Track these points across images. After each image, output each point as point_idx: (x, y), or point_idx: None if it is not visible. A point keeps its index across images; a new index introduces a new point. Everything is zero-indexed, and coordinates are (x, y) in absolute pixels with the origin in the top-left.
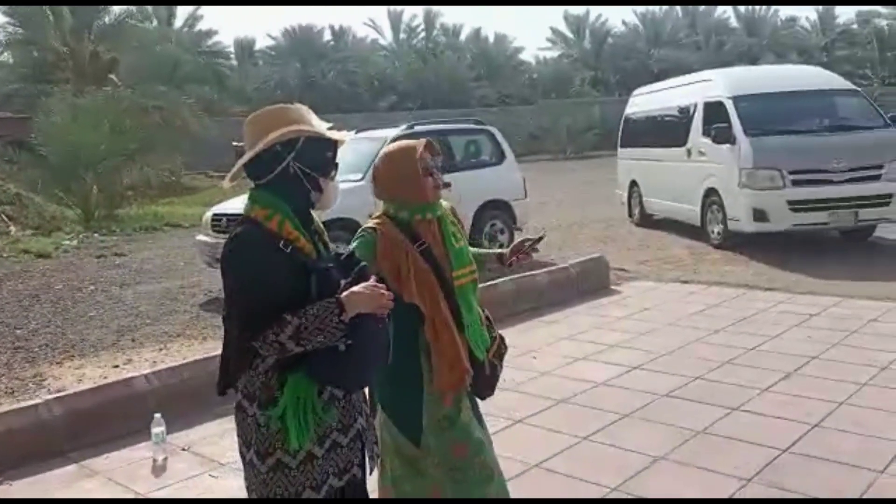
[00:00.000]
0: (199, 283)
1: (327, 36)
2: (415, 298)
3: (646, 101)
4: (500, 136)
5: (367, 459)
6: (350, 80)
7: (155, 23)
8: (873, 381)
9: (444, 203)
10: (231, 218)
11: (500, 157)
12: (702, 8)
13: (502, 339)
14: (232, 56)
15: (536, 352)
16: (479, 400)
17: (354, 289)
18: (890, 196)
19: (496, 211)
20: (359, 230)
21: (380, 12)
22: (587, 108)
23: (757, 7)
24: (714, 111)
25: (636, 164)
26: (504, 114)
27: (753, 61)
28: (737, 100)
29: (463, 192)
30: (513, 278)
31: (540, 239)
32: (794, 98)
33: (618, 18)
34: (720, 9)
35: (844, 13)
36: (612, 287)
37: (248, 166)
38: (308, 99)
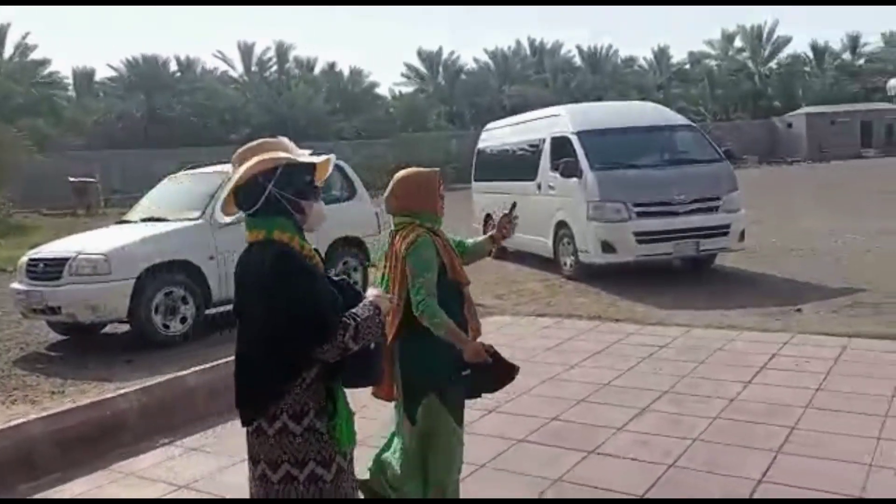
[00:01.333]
0: (14, 337)
1: (173, 67)
2: (463, 280)
3: (497, 135)
4: (350, 171)
5: None
6: (199, 113)
7: None
8: (724, 413)
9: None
10: (49, 263)
11: (351, 191)
12: (548, 46)
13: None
14: (70, 87)
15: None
16: None
17: (375, 293)
18: (728, 226)
19: (349, 248)
20: (413, 234)
21: (230, 44)
22: (444, 142)
23: (599, 47)
24: (561, 146)
25: (490, 198)
26: (363, 147)
27: (598, 98)
28: (582, 135)
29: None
30: None
31: (514, 206)
32: (637, 133)
33: (469, 56)
34: (566, 48)
35: (678, 53)
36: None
37: (238, 198)
38: (154, 132)
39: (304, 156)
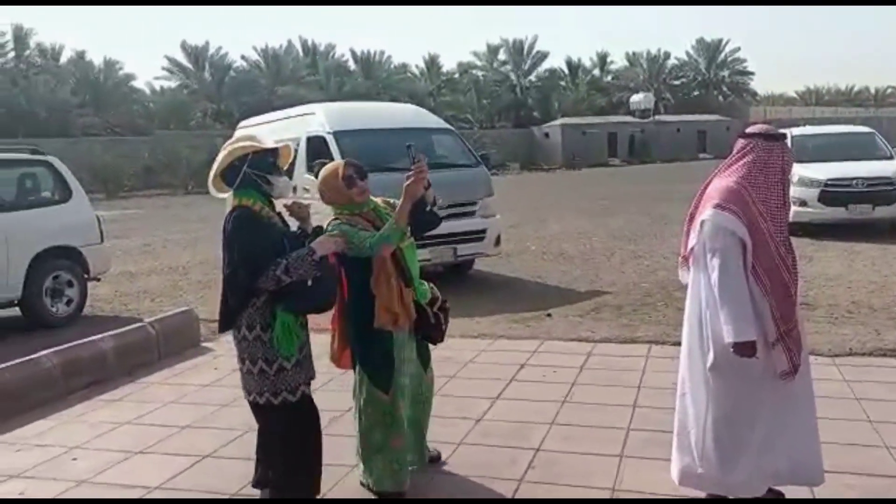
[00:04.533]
0: None
1: None
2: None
3: (252, 133)
4: (63, 169)
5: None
6: None
7: None
8: (469, 437)
9: (375, 199)
10: None
11: (66, 193)
12: (322, 48)
13: (444, 300)
14: None
15: (82, 447)
16: None
17: (318, 239)
18: (484, 231)
19: (61, 260)
20: (334, 221)
21: None
22: (210, 141)
23: (373, 52)
24: (317, 146)
25: None
26: (115, 144)
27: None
28: (338, 135)
29: (10, 238)
30: (64, 348)
31: (409, 147)
32: (395, 135)
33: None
34: (339, 51)
35: (447, 62)
36: (204, 345)
37: (225, 178)
38: None
39: (268, 143)
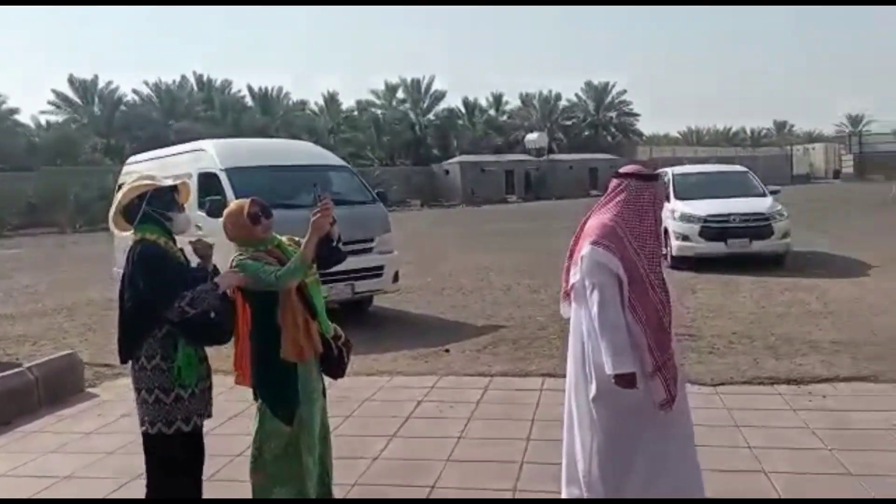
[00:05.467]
0: None
1: None
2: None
3: (140, 170)
4: None
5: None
6: None
7: None
8: (363, 478)
9: (279, 236)
10: None
11: None
12: (217, 83)
13: (347, 338)
14: None
15: None
16: None
17: (222, 275)
18: (382, 267)
19: None
20: (239, 257)
21: None
22: (101, 177)
23: (270, 88)
24: (209, 183)
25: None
26: None
27: (269, 138)
28: (230, 171)
29: None
30: None
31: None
32: (289, 172)
33: (129, 87)
34: (236, 86)
35: (346, 100)
36: (89, 390)
37: (126, 216)
38: None
39: (167, 181)
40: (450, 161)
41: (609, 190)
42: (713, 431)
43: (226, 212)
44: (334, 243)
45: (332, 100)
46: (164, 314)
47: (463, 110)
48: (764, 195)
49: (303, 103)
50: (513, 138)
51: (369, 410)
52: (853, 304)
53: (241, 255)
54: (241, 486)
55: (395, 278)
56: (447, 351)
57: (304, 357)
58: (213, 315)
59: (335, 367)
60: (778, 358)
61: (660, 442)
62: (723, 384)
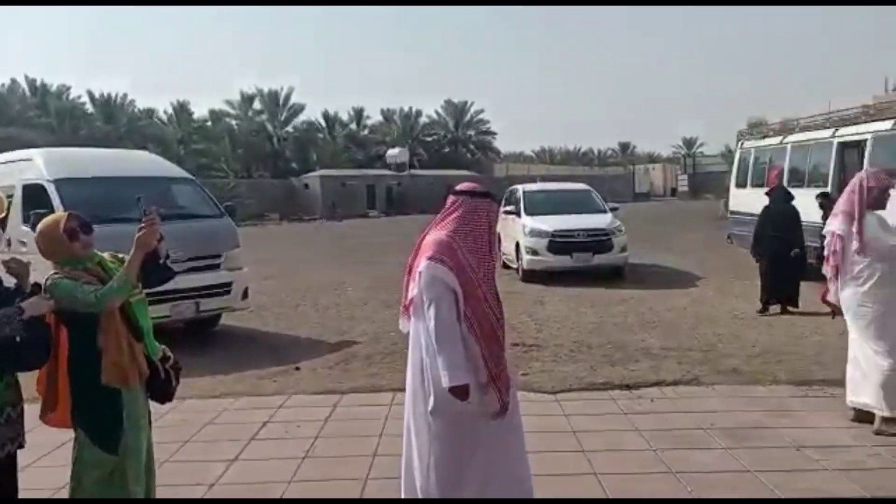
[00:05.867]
0: None
1: None
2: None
3: None
4: None
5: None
6: None
7: None
8: None
9: (101, 254)
10: None
11: None
12: (53, 88)
13: (177, 360)
14: None
15: None
16: None
17: (30, 300)
18: (230, 284)
19: None
20: (54, 276)
21: None
22: None
23: (114, 95)
24: (36, 195)
25: None
26: None
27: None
28: (60, 183)
29: None
30: None
31: (139, 199)
32: (127, 184)
33: None
34: (75, 92)
35: (198, 110)
36: None
37: None
38: None
39: None
40: (309, 174)
41: (446, 207)
42: (552, 437)
43: (39, 227)
44: (161, 261)
45: (181, 109)
46: None
47: (323, 123)
48: (605, 212)
49: (150, 112)
50: (374, 153)
51: (210, 434)
52: (681, 312)
53: (56, 273)
54: None
55: (245, 295)
56: (297, 369)
57: (127, 382)
58: (17, 339)
59: (162, 391)
60: (613, 364)
61: (494, 450)
62: (563, 391)
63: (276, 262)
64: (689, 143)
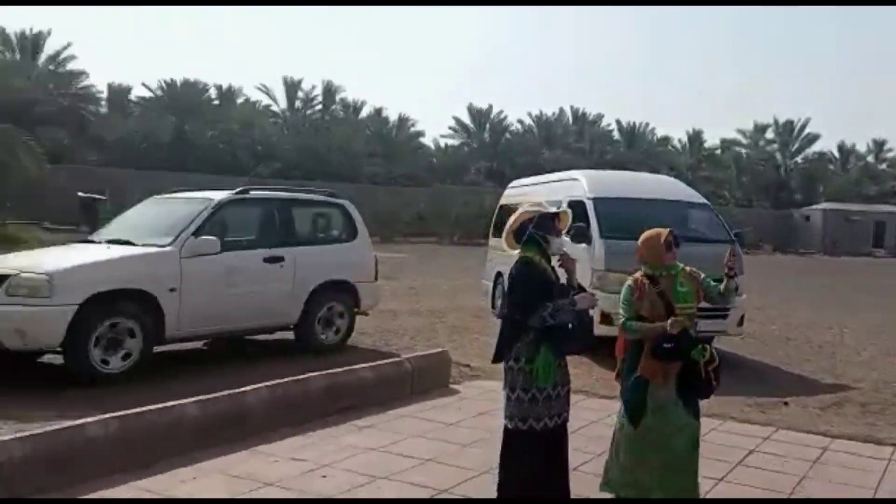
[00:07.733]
0: None
1: (213, 94)
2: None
3: (519, 193)
4: (354, 211)
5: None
6: (229, 142)
7: (17, 55)
8: None
9: (679, 264)
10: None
11: (352, 233)
12: (590, 117)
13: (713, 356)
14: (103, 102)
15: (331, 466)
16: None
17: (580, 295)
18: (727, 309)
19: (337, 292)
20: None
21: (276, 79)
22: (480, 197)
23: (637, 123)
24: (576, 210)
25: (502, 256)
26: (394, 193)
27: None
28: (596, 201)
29: (298, 269)
30: (330, 373)
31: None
32: (651, 205)
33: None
34: (605, 121)
35: (711, 138)
36: (452, 386)
37: (516, 235)
38: (178, 155)
39: (552, 209)
40: (812, 207)
41: None
42: None
43: (644, 236)
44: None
45: (695, 137)
46: (529, 321)
47: (837, 155)
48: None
49: (666, 139)
50: (890, 188)
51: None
52: None
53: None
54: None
55: (741, 322)
56: (786, 403)
57: (654, 377)
58: (570, 326)
59: (703, 389)
60: None
61: None
62: None
63: (766, 292)
64: None
